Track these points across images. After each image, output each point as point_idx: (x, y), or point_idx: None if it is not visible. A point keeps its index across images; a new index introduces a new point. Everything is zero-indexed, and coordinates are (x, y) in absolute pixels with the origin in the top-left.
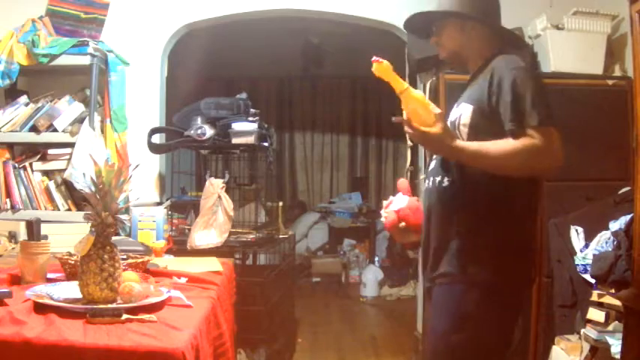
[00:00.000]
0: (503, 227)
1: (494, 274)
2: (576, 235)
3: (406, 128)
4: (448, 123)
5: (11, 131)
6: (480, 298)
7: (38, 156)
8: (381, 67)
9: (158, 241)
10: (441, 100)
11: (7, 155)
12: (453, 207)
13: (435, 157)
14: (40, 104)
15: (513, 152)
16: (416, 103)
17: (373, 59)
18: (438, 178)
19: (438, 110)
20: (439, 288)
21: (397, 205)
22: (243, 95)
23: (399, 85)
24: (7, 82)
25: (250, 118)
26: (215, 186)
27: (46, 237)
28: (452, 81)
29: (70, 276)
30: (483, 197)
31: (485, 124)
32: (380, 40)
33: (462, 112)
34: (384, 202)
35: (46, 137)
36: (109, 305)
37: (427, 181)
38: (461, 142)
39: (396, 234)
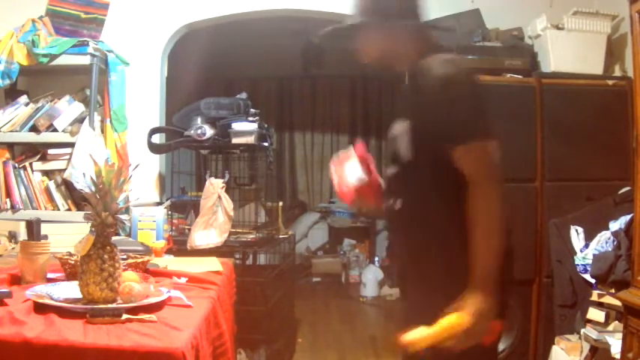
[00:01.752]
0: (456, 251)
1: (445, 300)
2: (576, 235)
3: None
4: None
5: (11, 131)
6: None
7: (38, 156)
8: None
9: (158, 241)
10: None
11: (7, 155)
12: (406, 228)
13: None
14: (40, 104)
15: (482, 219)
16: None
17: None
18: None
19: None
20: None
21: (352, 176)
22: (243, 95)
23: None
24: (7, 82)
25: (250, 118)
26: (215, 186)
27: (46, 237)
28: None
29: (70, 276)
30: (434, 220)
31: (422, 133)
32: None
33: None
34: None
35: (46, 137)
36: (109, 305)
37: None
38: (474, 279)
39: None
